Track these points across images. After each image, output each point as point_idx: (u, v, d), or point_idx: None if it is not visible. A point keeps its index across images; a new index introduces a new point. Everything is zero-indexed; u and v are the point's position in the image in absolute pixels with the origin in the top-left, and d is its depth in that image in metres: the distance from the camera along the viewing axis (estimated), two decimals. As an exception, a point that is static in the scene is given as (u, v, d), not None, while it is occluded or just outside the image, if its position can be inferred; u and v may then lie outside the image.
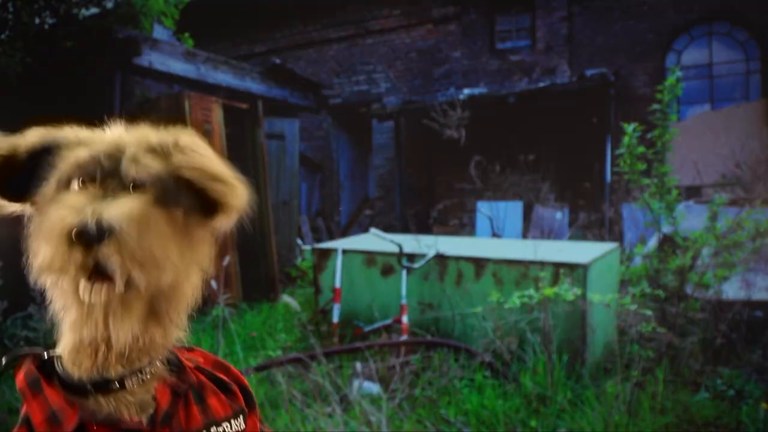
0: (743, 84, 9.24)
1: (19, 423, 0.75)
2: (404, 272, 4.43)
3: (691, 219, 5.06)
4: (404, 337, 4.21)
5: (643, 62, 9.50)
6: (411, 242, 4.86)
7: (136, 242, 0.64)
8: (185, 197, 0.71)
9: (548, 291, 3.74)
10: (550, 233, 8.03)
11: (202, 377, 0.84)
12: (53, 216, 0.66)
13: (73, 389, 0.73)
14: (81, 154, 0.70)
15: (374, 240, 4.93)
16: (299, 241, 9.13)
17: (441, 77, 11.10)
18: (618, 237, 7.20)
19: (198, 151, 0.72)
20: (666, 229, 5.06)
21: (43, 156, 0.73)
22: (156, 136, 0.73)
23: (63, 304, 0.71)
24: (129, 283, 0.66)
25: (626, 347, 3.83)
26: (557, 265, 4.02)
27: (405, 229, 10.15)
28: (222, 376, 0.87)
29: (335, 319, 4.63)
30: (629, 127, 4.95)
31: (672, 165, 5.19)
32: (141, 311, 0.70)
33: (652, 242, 5.47)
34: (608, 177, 8.85)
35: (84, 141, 0.73)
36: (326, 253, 5.28)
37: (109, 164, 0.69)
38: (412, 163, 11.03)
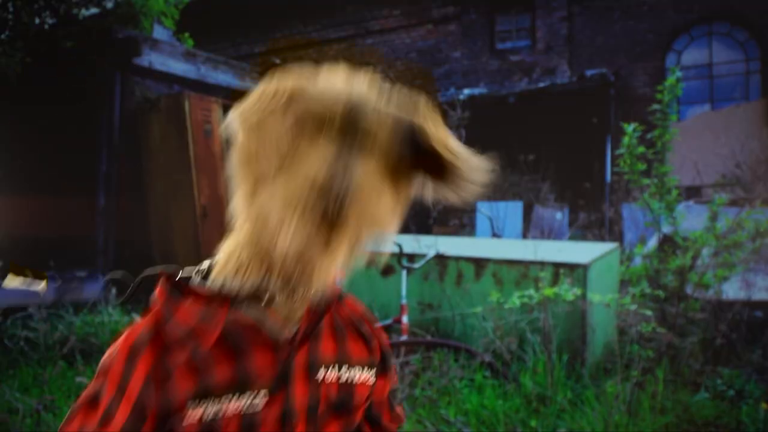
0: (743, 84, 9.24)
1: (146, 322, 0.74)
2: (404, 272, 4.43)
3: (691, 219, 5.06)
4: (404, 337, 4.21)
5: (643, 62, 9.50)
6: (411, 242, 4.86)
7: (371, 207, 0.68)
8: (412, 158, 0.72)
9: (548, 291, 3.74)
10: (550, 233, 8.03)
11: (347, 317, 0.86)
12: (301, 169, 0.67)
13: (219, 297, 0.74)
14: (316, 102, 0.70)
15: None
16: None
17: (441, 77, 11.10)
18: (618, 237, 7.20)
19: (435, 122, 0.73)
20: (666, 229, 5.06)
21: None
22: (397, 97, 0.74)
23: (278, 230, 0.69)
24: (350, 236, 0.68)
25: (626, 347, 3.82)
26: (557, 265, 4.02)
27: (405, 229, 10.15)
28: (368, 327, 0.89)
29: (335, 319, 4.63)
30: (629, 127, 4.96)
31: (672, 165, 5.20)
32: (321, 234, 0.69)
33: (652, 242, 5.47)
34: (608, 177, 8.85)
35: (324, 92, 0.71)
36: (326, 253, 5.27)
37: (347, 119, 0.69)
38: (412, 163, 11.02)
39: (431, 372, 3.82)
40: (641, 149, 4.97)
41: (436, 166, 0.74)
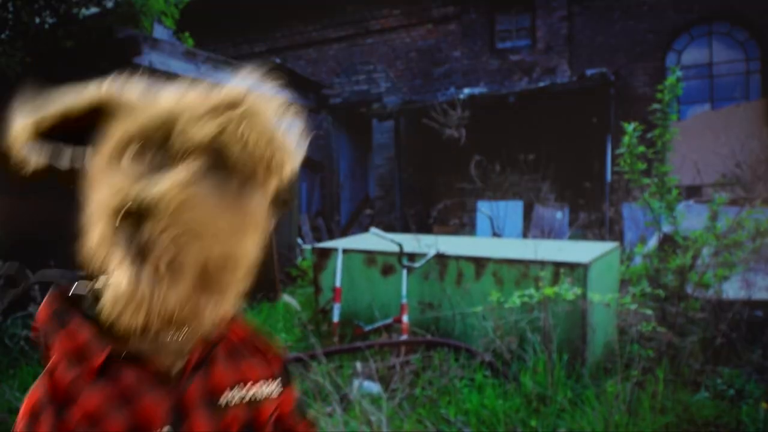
0: (743, 84, 9.24)
1: (43, 374, 0.74)
2: (404, 272, 4.43)
3: (691, 219, 5.06)
4: (404, 337, 4.21)
5: (643, 62, 9.50)
6: (411, 242, 4.86)
7: (183, 217, 0.63)
8: (238, 163, 0.68)
9: (548, 291, 3.74)
10: (550, 233, 8.02)
11: (239, 339, 0.85)
12: (102, 195, 0.66)
13: (104, 329, 0.72)
14: (133, 124, 0.68)
15: (374, 240, 4.93)
16: (299, 241, 9.13)
17: (441, 77, 11.10)
18: (618, 237, 7.20)
19: (251, 116, 0.68)
20: (666, 228, 5.06)
21: (95, 116, 0.71)
22: (208, 101, 0.69)
23: (109, 266, 0.68)
24: (179, 256, 0.64)
25: (626, 347, 3.82)
26: (557, 265, 4.02)
27: (405, 229, 10.15)
28: (261, 342, 0.88)
29: (335, 318, 4.63)
30: (629, 127, 4.95)
31: (672, 165, 5.19)
32: (191, 281, 0.67)
33: (652, 242, 5.47)
34: (608, 177, 8.85)
35: (137, 108, 0.70)
36: (326, 253, 5.28)
37: (161, 134, 0.66)
38: (412, 162, 11.03)
39: (431, 371, 3.82)
40: (641, 149, 4.97)
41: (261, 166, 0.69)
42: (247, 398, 0.80)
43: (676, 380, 3.71)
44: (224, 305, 0.73)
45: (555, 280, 3.97)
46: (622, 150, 5.05)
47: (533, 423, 3.24)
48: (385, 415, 3.05)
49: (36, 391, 0.73)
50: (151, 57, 6.53)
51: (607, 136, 9.00)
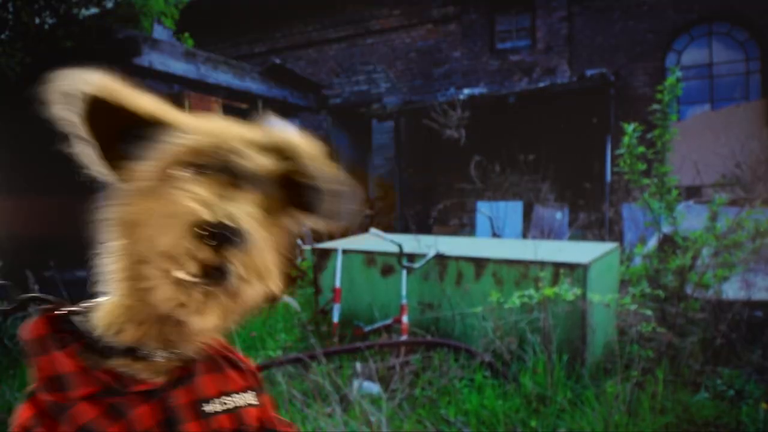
0: (743, 84, 9.24)
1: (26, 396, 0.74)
2: (404, 272, 4.43)
3: (691, 219, 5.06)
4: (404, 337, 4.21)
5: (643, 62, 9.50)
6: (411, 242, 4.86)
7: (260, 254, 0.64)
8: (286, 195, 0.70)
9: (548, 291, 3.74)
10: (550, 233, 8.03)
11: (216, 353, 0.86)
12: (178, 204, 0.63)
13: (94, 347, 0.73)
14: (196, 141, 0.67)
15: (374, 240, 4.93)
16: (299, 241, 9.13)
17: (441, 77, 11.10)
18: (618, 237, 7.20)
19: (308, 156, 0.71)
20: (666, 229, 5.06)
21: (145, 129, 0.70)
22: (265, 134, 0.71)
23: (140, 274, 0.67)
24: (237, 290, 0.65)
25: (626, 347, 3.82)
26: (557, 265, 4.02)
27: (405, 229, 10.15)
28: (234, 355, 0.89)
29: (335, 319, 4.63)
30: (629, 127, 4.95)
31: (672, 165, 5.19)
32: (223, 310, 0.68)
33: (652, 242, 5.47)
34: (608, 177, 8.85)
35: (193, 128, 0.69)
36: (326, 253, 5.28)
37: (220, 158, 0.67)
38: (412, 163, 11.03)
39: (431, 372, 3.82)
40: (641, 149, 4.97)
41: (313, 202, 0.72)
42: (231, 407, 0.81)
43: (676, 381, 3.71)
44: (223, 327, 0.75)
45: (555, 280, 3.97)
46: (622, 150, 5.05)
47: (533, 423, 3.24)
48: (384, 415, 3.06)
49: (23, 411, 0.73)
50: (151, 57, 6.53)
51: (607, 136, 9.00)
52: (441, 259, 4.52)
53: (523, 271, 4.17)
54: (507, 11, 10.60)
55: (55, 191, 6.70)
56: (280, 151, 0.70)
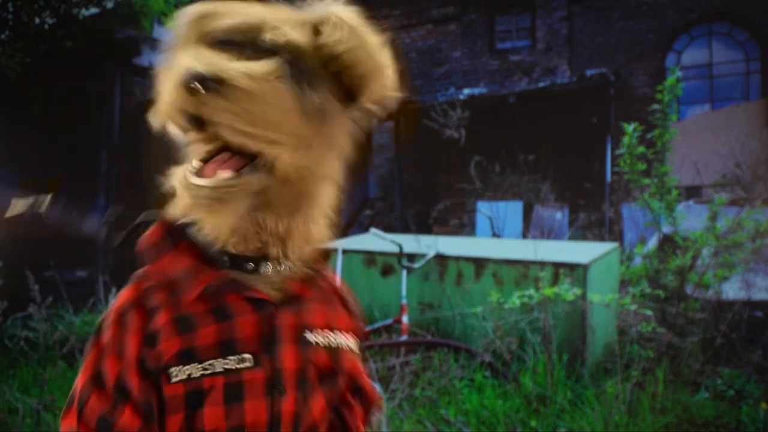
0: (743, 84, 9.24)
1: (131, 282, 0.74)
2: (404, 272, 4.43)
3: (691, 219, 5.06)
4: (404, 337, 4.21)
5: (643, 62, 9.50)
6: (411, 242, 4.86)
7: (249, 103, 0.62)
8: (326, 79, 0.68)
9: (548, 291, 3.74)
10: (550, 233, 8.02)
11: (332, 287, 0.85)
12: (177, 66, 0.64)
13: (208, 257, 0.73)
14: (225, 21, 0.68)
15: (374, 240, 4.93)
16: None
17: (441, 77, 11.10)
18: (618, 237, 7.20)
19: (347, 30, 0.68)
20: (666, 229, 5.06)
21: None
22: (305, 14, 0.70)
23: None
24: (252, 164, 0.65)
25: (626, 347, 3.82)
26: (557, 265, 4.02)
27: (405, 229, 10.15)
28: (352, 301, 0.89)
29: (335, 319, 4.62)
30: (629, 127, 4.96)
31: (672, 165, 5.20)
32: (267, 200, 0.69)
33: (652, 242, 5.47)
34: (608, 177, 8.85)
35: (229, 13, 0.70)
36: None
37: (251, 34, 0.66)
38: (412, 163, 11.03)
39: (431, 372, 3.82)
40: (641, 149, 4.97)
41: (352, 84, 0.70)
42: (332, 343, 0.80)
43: (676, 381, 3.71)
44: (313, 232, 0.75)
45: (555, 280, 3.97)
46: (621, 150, 5.05)
47: (533, 423, 3.24)
48: (384, 415, 3.06)
49: (122, 296, 0.74)
50: (150, 57, 6.54)
51: (607, 136, 9.00)
52: (441, 259, 4.52)
53: (523, 271, 4.17)
54: (507, 11, 10.60)
55: (54, 191, 6.70)
56: (318, 28, 0.68)
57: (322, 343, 0.78)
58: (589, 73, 8.97)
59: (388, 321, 4.50)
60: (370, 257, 4.95)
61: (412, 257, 4.60)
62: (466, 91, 9.84)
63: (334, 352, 0.80)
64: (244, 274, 0.74)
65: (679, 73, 5.14)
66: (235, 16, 0.69)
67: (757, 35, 9.03)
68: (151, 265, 0.74)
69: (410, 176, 11.10)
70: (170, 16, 7.80)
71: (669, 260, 4.68)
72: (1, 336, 4.44)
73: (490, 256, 4.36)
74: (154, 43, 6.66)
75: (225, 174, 0.64)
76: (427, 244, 4.80)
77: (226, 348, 0.70)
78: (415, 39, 11.33)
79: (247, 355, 0.71)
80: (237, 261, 0.73)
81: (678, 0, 9.28)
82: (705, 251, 4.60)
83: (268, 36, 0.66)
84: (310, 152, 0.69)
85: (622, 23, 9.66)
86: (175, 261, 0.73)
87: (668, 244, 4.98)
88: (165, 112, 0.65)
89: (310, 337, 0.77)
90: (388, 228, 9.69)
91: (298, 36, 0.67)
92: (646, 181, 5.04)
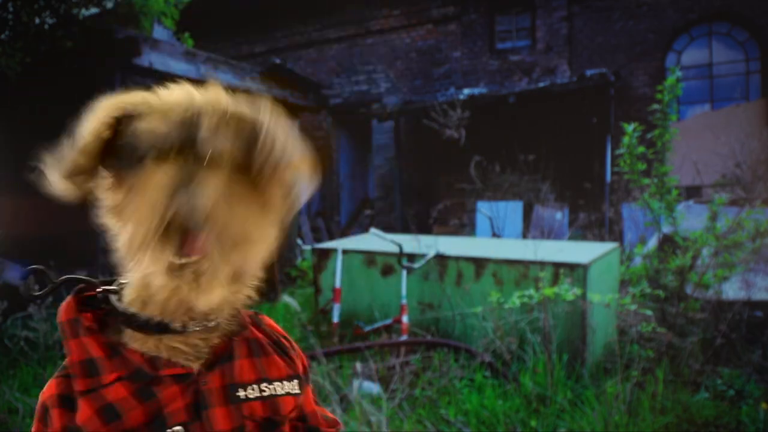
0: (743, 84, 9.24)
1: (59, 370, 0.75)
2: (404, 272, 4.43)
3: (691, 219, 5.06)
4: (404, 337, 4.21)
5: (643, 62, 9.50)
6: (411, 242, 4.86)
7: (229, 226, 0.67)
8: (256, 167, 0.71)
9: (548, 291, 3.74)
10: (550, 233, 8.02)
11: (263, 336, 0.85)
12: (145, 197, 0.67)
13: (129, 323, 0.74)
14: (157, 128, 0.69)
15: (374, 240, 4.93)
16: (299, 241, 9.13)
17: (441, 77, 11.10)
18: (618, 237, 7.20)
19: (271, 131, 0.71)
20: (666, 229, 5.06)
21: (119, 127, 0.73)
22: (229, 105, 0.73)
23: (137, 260, 0.70)
24: (219, 258, 0.68)
25: (626, 347, 3.82)
26: (557, 265, 4.02)
27: (405, 229, 10.14)
28: (285, 342, 0.88)
29: (335, 319, 4.63)
30: (629, 127, 4.96)
31: (672, 165, 5.20)
32: (226, 278, 0.71)
33: (652, 242, 5.47)
34: (608, 177, 8.85)
35: (156, 109, 0.71)
36: (326, 253, 5.28)
37: (186, 135, 0.68)
38: (412, 163, 11.03)
39: (431, 372, 3.82)
40: (641, 149, 4.97)
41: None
42: (266, 394, 0.79)
43: (676, 381, 3.71)
44: (242, 294, 0.77)
45: (555, 280, 3.97)
46: (621, 150, 5.05)
47: (533, 423, 3.24)
48: (384, 415, 3.05)
49: (49, 388, 0.74)
50: (150, 57, 6.53)
51: (607, 136, 9.00)
52: (441, 259, 4.52)
53: (523, 271, 4.17)
54: (507, 11, 10.60)
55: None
56: (241, 127, 0.71)
57: (255, 396, 0.78)
58: (589, 73, 8.97)
59: (388, 321, 4.50)
60: (370, 257, 4.94)
61: (412, 257, 4.60)
62: (466, 91, 9.84)
63: (271, 401, 0.79)
64: (168, 338, 0.74)
65: (679, 73, 5.14)
66: (166, 113, 0.70)
67: (757, 35, 9.03)
68: (68, 343, 0.73)
69: (410, 176, 11.10)
70: (170, 16, 7.80)
71: (669, 260, 4.68)
72: (1, 336, 4.44)
73: (490, 256, 4.36)
74: (154, 43, 6.66)
75: (210, 249, 0.67)
76: (427, 244, 4.80)
77: (156, 426, 0.71)
78: (415, 39, 11.33)
79: (177, 428, 0.71)
80: (163, 324, 0.73)
81: (678, 0, 9.28)
82: (705, 251, 4.61)
83: (209, 145, 0.67)
84: (249, 222, 0.72)
85: (622, 23, 9.66)
86: (89, 343, 0.73)
87: (668, 244, 4.98)
88: (145, 247, 0.67)
89: (242, 393, 0.77)
90: (388, 228, 9.69)
91: (232, 138, 0.69)
92: (646, 181, 5.04)
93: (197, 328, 0.74)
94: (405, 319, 4.30)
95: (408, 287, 4.43)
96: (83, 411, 0.70)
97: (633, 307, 3.93)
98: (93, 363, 0.72)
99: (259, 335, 0.84)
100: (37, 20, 6.05)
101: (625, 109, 9.22)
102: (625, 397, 3.18)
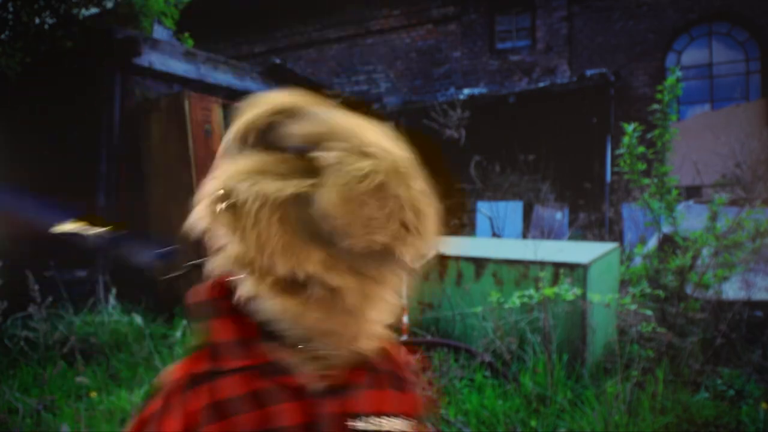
0: (743, 84, 9.24)
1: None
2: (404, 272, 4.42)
3: (691, 219, 5.06)
4: (404, 337, 4.21)
5: (643, 62, 9.50)
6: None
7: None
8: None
9: (548, 291, 3.74)
10: (550, 233, 8.02)
11: (385, 369, 0.83)
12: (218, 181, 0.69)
13: (265, 328, 0.72)
14: (371, 179, 0.69)
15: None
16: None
17: (441, 77, 11.10)
18: (618, 237, 7.20)
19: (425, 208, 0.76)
20: (666, 229, 5.06)
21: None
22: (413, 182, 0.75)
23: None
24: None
25: (626, 347, 3.82)
26: (557, 265, 4.02)
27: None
28: (408, 378, 0.87)
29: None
30: (629, 127, 4.96)
31: (672, 165, 5.20)
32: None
33: (652, 242, 5.47)
34: (608, 177, 8.85)
35: (362, 150, 0.72)
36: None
37: (309, 146, 0.71)
38: (412, 163, 11.01)
39: (431, 372, 3.82)
40: (641, 149, 4.97)
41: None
42: (381, 428, 0.78)
43: (676, 381, 3.71)
44: (367, 330, 0.75)
45: (555, 280, 3.97)
46: (622, 150, 5.05)
47: (533, 423, 3.24)
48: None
49: (176, 370, 0.74)
50: (150, 57, 6.53)
51: (607, 136, 9.00)
52: (441, 258, 4.52)
53: (523, 271, 4.17)
54: (507, 11, 10.60)
55: (54, 191, 6.70)
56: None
57: (372, 429, 0.77)
58: (589, 73, 8.97)
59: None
60: (370, 257, 4.94)
61: (412, 257, 4.59)
62: (466, 91, 9.84)
63: None
64: (294, 353, 0.73)
65: (679, 73, 5.14)
66: (308, 122, 0.72)
67: (757, 35, 9.03)
68: (204, 328, 0.73)
69: (410, 176, 11.08)
70: (170, 16, 7.80)
71: (669, 260, 4.68)
72: (1, 336, 4.43)
73: (490, 256, 4.36)
74: (154, 43, 6.66)
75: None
76: (427, 244, 4.80)
77: None
78: (415, 39, 11.33)
79: None
80: (296, 338, 0.72)
81: (678, 0, 9.28)
82: (705, 251, 4.60)
83: (320, 153, 0.69)
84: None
85: (622, 23, 9.66)
86: (222, 329, 0.73)
87: (668, 244, 4.98)
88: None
89: (357, 424, 0.76)
90: (388, 228, 9.66)
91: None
92: (646, 181, 5.04)
93: (328, 351, 0.73)
94: (405, 319, 4.30)
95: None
96: (200, 398, 0.69)
97: (633, 307, 3.93)
98: (223, 346, 0.71)
99: (382, 366, 0.83)
100: (37, 20, 6.05)
101: (625, 109, 9.22)
102: (625, 397, 3.17)
